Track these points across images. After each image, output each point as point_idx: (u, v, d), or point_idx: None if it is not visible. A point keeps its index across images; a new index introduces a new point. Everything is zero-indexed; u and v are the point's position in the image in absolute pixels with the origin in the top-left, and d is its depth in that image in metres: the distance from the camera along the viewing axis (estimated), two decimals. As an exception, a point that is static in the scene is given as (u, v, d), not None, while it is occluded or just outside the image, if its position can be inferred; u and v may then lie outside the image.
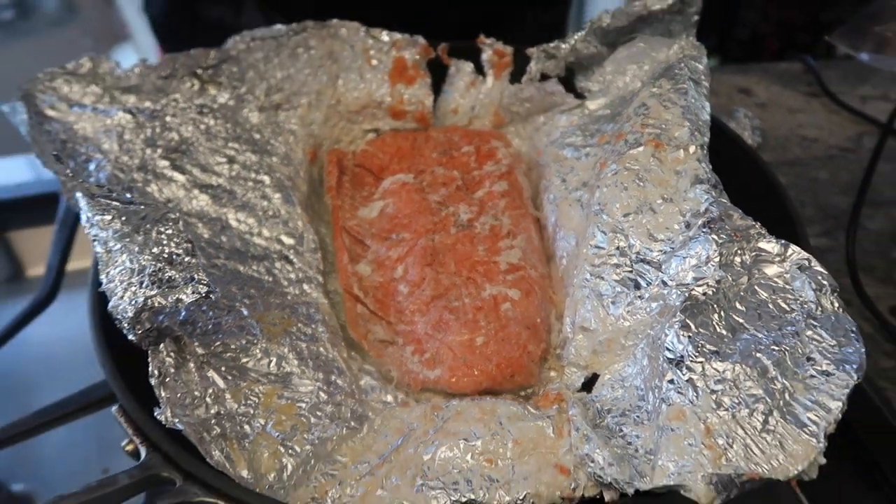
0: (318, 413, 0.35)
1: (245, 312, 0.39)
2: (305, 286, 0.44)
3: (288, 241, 0.46)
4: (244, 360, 0.37)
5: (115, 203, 0.37)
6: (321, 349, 0.39)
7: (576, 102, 0.53)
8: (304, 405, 0.36)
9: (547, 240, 0.47)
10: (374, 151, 0.54)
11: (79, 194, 0.38)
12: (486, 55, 0.57)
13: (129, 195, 0.40)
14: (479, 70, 0.57)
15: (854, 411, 0.43)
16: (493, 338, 0.39)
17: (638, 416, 0.33)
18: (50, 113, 0.46)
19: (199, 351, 0.35)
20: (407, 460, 0.33)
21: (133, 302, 0.32)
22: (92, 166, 0.43)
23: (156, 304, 0.32)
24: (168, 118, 0.48)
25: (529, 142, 0.56)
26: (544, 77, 0.53)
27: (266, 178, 0.48)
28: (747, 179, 0.45)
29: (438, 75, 0.57)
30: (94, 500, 0.28)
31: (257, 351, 0.37)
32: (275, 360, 0.37)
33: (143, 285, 0.33)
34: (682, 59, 0.48)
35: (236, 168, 0.48)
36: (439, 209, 0.48)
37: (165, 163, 0.46)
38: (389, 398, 0.39)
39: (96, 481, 0.29)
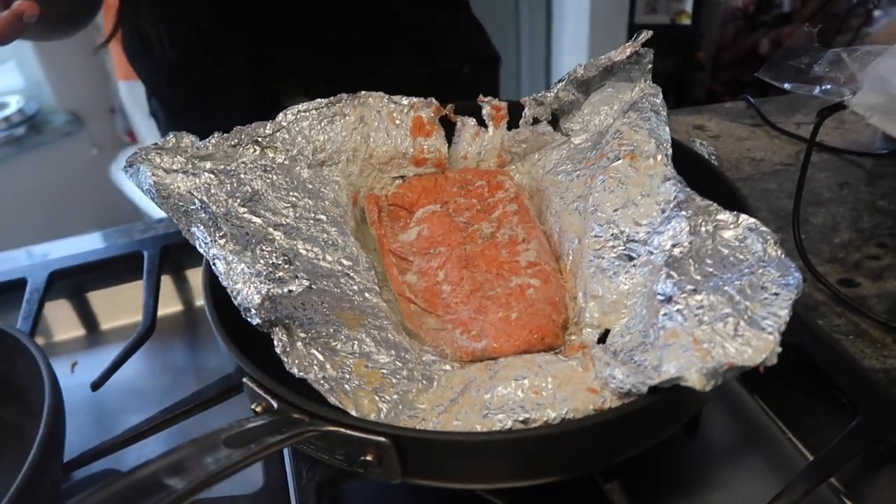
0: (398, 375, 0.46)
1: (327, 311, 0.49)
2: (367, 294, 0.54)
3: (347, 263, 0.57)
4: (333, 343, 0.47)
5: (225, 229, 0.48)
6: (389, 335, 0.49)
7: (563, 139, 0.66)
8: (385, 371, 0.46)
9: (554, 245, 0.59)
10: (404, 192, 0.66)
11: (194, 227, 0.49)
12: (485, 110, 0.70)
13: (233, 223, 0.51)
14: (481, 123, 0.70)
15: (815, 350, 0.54)
16: (524, 313, 0.50)
17: (643, 348, 0.43)
18: (152, 179, 0.57)
19: (302, 335, 0.46)
20: (472, 400, 0.43)
21: (258, 292, 0.43)
22: (189, 215, 0.54)
23: (274, 293, 0.43)
24: (241, 175, 0.60)
25: (528, 175, 0.68)
26: (535, 121, 0.66)
27: (323, 217, 0.60)
28: (711, 186, 0.57)
29: (450, 129, 0.70)
30: (239, 433, 0.38)
31: (342, 337, 0.48)
32: (356, 343, 0.48)
33: (262, 282, 0.44)
34: (644, 97, 0.62)
35: (299, 210, 0.59)
36: (466, 227, 0.59)
37: (244, 209, 0.57)
38: (448, 367, 0.49)
39: (236, 421, 0.39)
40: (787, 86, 0.69)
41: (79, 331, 0.74)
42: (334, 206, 0.62)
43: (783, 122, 0.88)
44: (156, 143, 0.60)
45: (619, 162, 0.54)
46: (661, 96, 0.62)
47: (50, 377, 0.48)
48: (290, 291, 0.44)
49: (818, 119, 0.67)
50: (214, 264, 0.47)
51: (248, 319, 0.43)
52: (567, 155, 0.65)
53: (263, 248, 0.48)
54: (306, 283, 0.45)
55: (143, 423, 0.50)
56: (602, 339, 0.48)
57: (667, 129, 0.58)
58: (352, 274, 0.56)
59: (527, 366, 0.45)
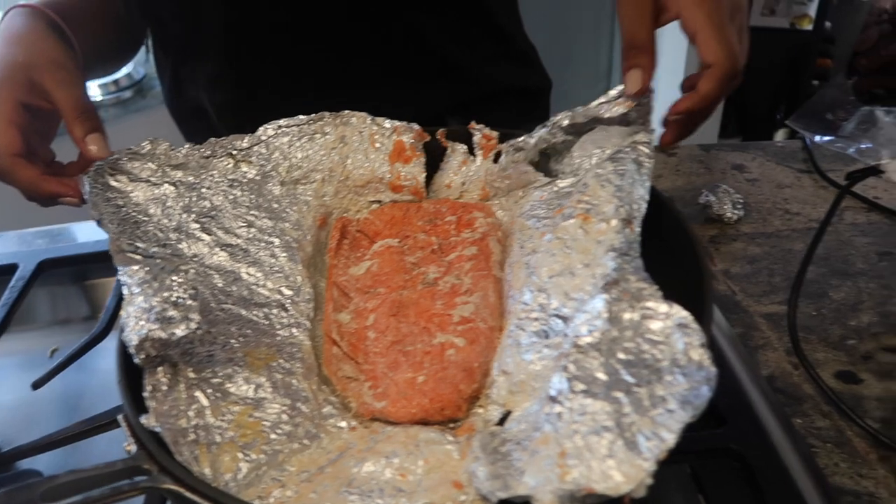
0: (278, 431, 0.44)
1: (237, 346, 0.48)
2: (294, 330, 0.53)
3: (287, 292, 0.55)
4: (228, 385, 0.46)
5: (138, 257, 0.47)
6: (294, 381, 0.48)
7: (547, 180, 0.61)
8: (267, 423, 0.44)
9: (504, 298, 0.54)
10: (374, 219, 0.63)
11: (118, 252, 0.49)
12: (476, 138, 0.66)
13: (153, 250, 0.51)
14: (472, 151, 0.66)
15: (764, 459, 0.47)
16: (432, 377, 0.47)
17: (526, 444, 0.39)
18: (113, 184, 0.57)
19: (192, 375, 0.45)
20: (340, 472, 0.41)
21: (138, 333, 0.42)
22: (137, 226, 0.54)
23: (154, 336, 0.42)
24: (204, 189, 0.59)
25: (509, 213, 0.64)
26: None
27: (276, 241, 0.58)
28: (685, 262, 0.51)
29: (439, 155, 0.66)
30: (88, 478, 0.37)
31: (240, 379, 0.46)
32: (253, 386, 0.46)
33: (149, 321, 0.43)
34: (631, 144, 0.55)
35: (253, 231, 0.59)
36: (412, 269, 0.56)
37: (196, 225, 0.57)
38: (343, 424, 0.46)
39: (92, 466, 0.38)
40: (817, 139, 0.60)
41: (74, 316, 0.77)
42: (294, 229, 0.60)
43: (837, 171, 0.77)
44: (130, 148, 0.60)
45: (571, 221, 0.49)
46: (651, 145, 0.55)
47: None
48: (172, 334, 0.43)
49: (846, 183, 0.58)
50: (122, 290, 0.47)
51: (132, 357, 0.43)
52: (547, 198, 0.60)
53: (174, 277, 0.47)
54: (194, 325, 0.44)
55: (58, 433, 0.51)
56: (505, 419, 0.44)
57: (645, 185, 0.51)
58: (288, 305, 0.55)
59: (406, 441, 0.42)
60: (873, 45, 2.63)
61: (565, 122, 0.57)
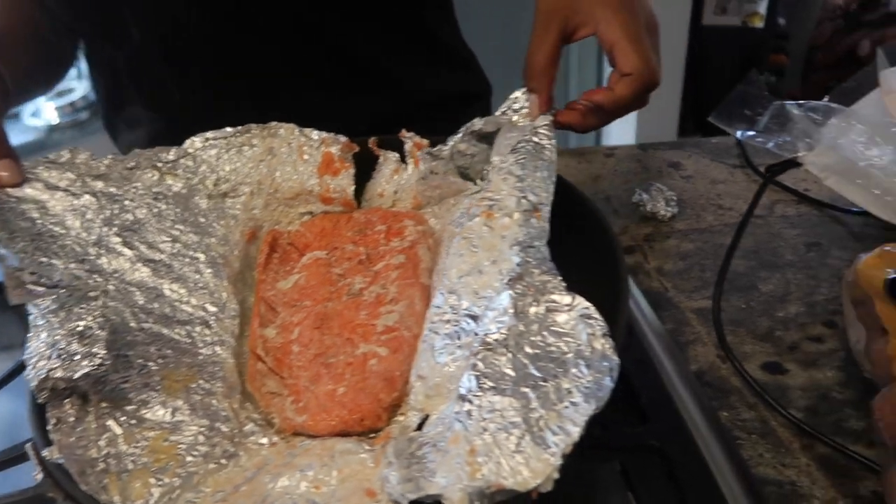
0: (194, 452, 0.43)
1: (155, 369, 0.47)
2: (218, 348, 0.52)
3: (212, 308, 0.54)
4: (143, 411, 0.44)
5: (41, 288, 0.46)
6: (213, 401, 0.47)
7: (477, 188, 0.61)
8: (183, 446, 0.43)
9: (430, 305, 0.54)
10: (304, 231, 0.63)
11: (10, 283, 0.47)
12: (407, 146, 0.65)
13: (70, 265, 0.49)
14: (404, 159, 0.66)
15: (689, 454, 0.47)
16: (352, 388, 0.46)
17: (441, 445, 0.39)
18: (28, 192, 0.55)
19: (103, 405, 0.43)
20: (255, 489, 0.40)
21: (38, 374, 0.41)
22: (54, 239, 0.52)
23: (55, 375, 0.41)
24: (126, 202, 0.57)
25: (442, 221, 0.63)
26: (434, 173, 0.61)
27: (202, 256, 0.57)
28: (593, 239, 0.52)
29: (371, 164, 0.66)
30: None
31: (156, 404, 0.45)
32: (170, 410, 0.45)
33: (50, 358, 0.41)
34: (532, 133, 0.55)
35: (178, 246, 0.57)
36: (338, 280, 0.56)
37: (118, 239, 0.55)
38: (264, 440, 0.46)
39: (3, 494, 0.37)
40: (738, 134, 0.61)
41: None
42: (220, 244, 0.59)
43: (771, 164, 0.78)
44: (47, 157, 0.58)
45: (476, 220, 0.49)
46: (551, 126, 0.55)
47: None
48: (74, 371, 0.41)
49: (767, 176, 0.59)
50: (27, 319, 0.45)
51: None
52: (475, 203, 0.60)
53: (83, 305, 0.46)
54: (98, 360, 0.42)
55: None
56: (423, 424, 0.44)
57: (546, 173, 0.51)
58: (212, 322, 0.54)
59: (322, 453, 0.42)
60: (827, 41, 2.69)
61: (478, 127, 0.58)
